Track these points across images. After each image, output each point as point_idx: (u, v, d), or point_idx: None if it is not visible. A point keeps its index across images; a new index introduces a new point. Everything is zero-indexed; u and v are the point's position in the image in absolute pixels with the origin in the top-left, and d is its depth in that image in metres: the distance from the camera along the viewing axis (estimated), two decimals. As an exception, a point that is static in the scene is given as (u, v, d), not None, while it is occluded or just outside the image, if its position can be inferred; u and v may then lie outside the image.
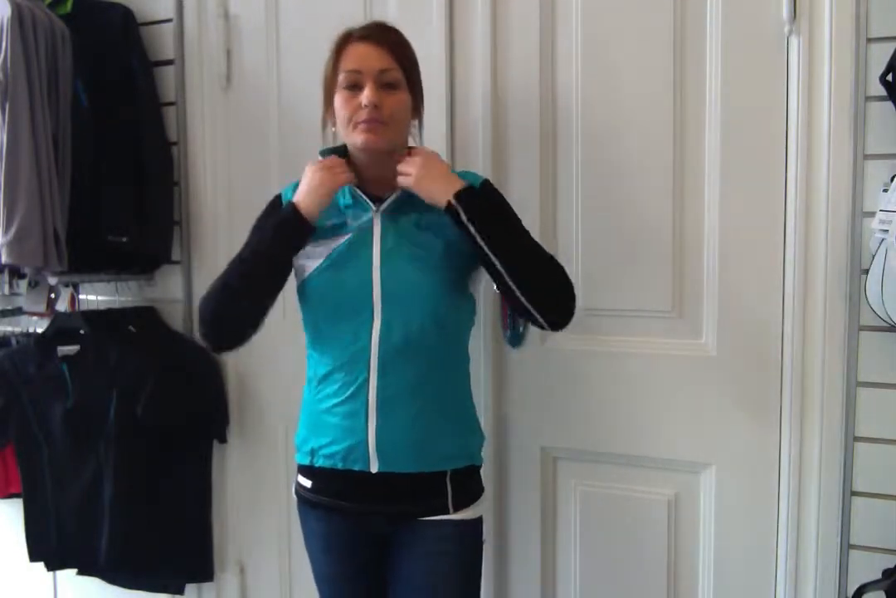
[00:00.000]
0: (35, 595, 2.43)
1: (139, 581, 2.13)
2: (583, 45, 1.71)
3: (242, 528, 2.16)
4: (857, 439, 1.54)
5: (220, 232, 2.10)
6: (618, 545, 1.76)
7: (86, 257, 1.97)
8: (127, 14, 2.05)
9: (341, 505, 1.47)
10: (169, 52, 2.11)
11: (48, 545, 2.09)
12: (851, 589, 1.49)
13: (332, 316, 1.43)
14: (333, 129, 1.48)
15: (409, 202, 1.44)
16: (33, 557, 2.11)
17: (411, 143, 1.50)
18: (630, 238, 1.70)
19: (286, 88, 2.01)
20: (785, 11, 1.52)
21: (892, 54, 1.42)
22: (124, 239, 1.99)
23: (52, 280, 2.00)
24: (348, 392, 1.43)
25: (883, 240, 1.42)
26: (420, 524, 1.44)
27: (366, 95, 1.37)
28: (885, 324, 1.46)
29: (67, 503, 2.07)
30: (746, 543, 1.64)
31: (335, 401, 1.44)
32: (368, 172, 1.46)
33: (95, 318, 2.07)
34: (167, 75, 2.12)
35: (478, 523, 1.50)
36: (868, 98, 1.49)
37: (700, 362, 1.66)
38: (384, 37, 1.42)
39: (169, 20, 2.10)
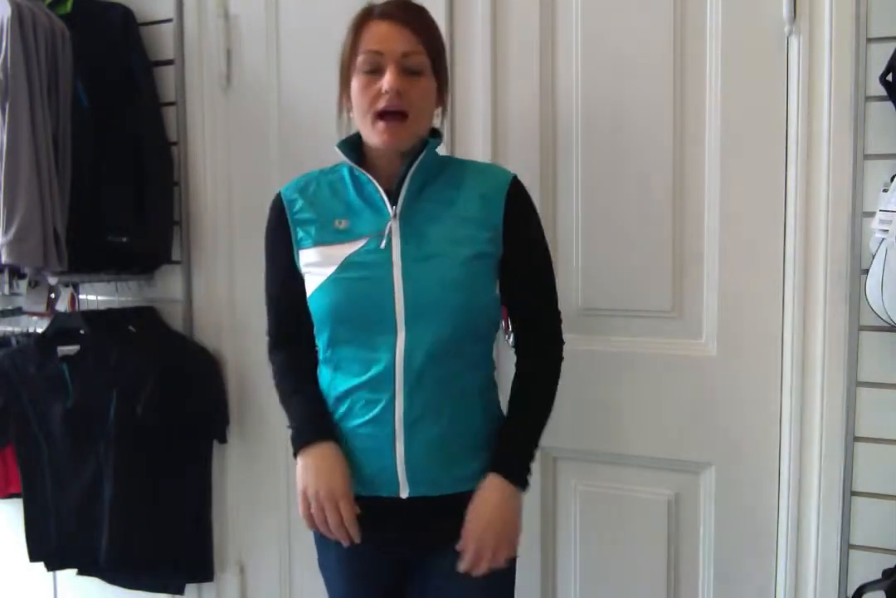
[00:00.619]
0: (35, 595, 2.43)
1: (139, 581, 2.12)
2: (583, 44, 1.71)
3: (242, 528, 2.16)
4: (857, 439, 1.54)
5: (220, 232, 2.10)
6: (618, 545, 1.76)
7: (86, 257, 1.96)
8: (127, 14, 2.05)
9: (365, 534, 1.32)
10: (169, 52, 2.11)
11: (48, 545, 2.09)
12: (851, 589, 1.49)
13: (348, 332, 1.31)
14: (350, 114, 1.35)
15: (427, 195, 1.34)
16: (33, 557, 2.11)
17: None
18: (630, 238, 1.70)
19: (286, 88, 2.01)
20: (785, 11, 1.52)
21: (892, 54, 1.42)
22: (124, 239, 1.99)
23: (52, 280, 2.00)
24: (373, 412, 1.30)
25: (883, 240, 1.41)
26: (450, 547, 1.31)
27: (387, 81, 1.25)
28: (885, 324, 1.45)
29: (67, 503, 2.06)
30: (746, 543, 1.64)
31: (357, 422, 1.32)
32: (382, 163, 1.34)
33: (95, 318, 2.07)
34: (167, 75, 2.12)
35: None
36: (868, 98, 1.48)
37: (700, 362, 1.66)
38: (409, 15, 1.29)
39: (169, 20, 2.10)
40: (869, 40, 1.48)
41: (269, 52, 2.02)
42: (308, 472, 1.32)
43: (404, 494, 1.31)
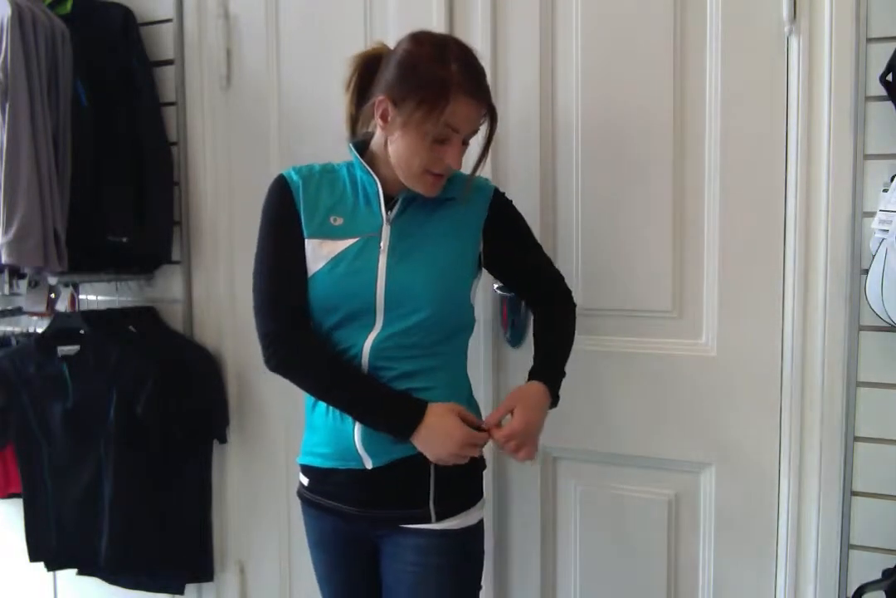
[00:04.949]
0: (35, 595, 2.43)
1: (139, 581, 2.12)
2: (583, 45, 1.71)
3: (242, 528, 2.16)
4: (857, 439, 1.54)
5: (220, 232, 2.10)
6: (618, 545, 1.76)
7: (86, 257, 1.96)
8: (127, 14, 2.05)
9: (331, 505, 1.46)
10: (169, 52, 2.11)
11: (48, 545, 2.09)
12: (851, 589, 1.49)
13: (331, 320, 1.40)
14: (374, 123, 1.39)
15: (420, 204, 1.41)
16: (33, 557, 2.11)
17: None
18: (630, 238, 1.70)
19: (286, 88, 2.01)
20: (785, 11, 1.52)
21: (892, 54, 1.42)
22: (124, 239, 1.99)
23: (52, 280, 2.00)
24: None
25: (883, 240, 1.42)
26: (402, 533, 1.41)
27: (451, 158, 1.34)
28: (885, 324, 1.46)
29: (67, 503, 2.07)
30: (746, 543, 1.64)
31: (324, 405, 1.44)
32: (385, 170, 1.41)
33: (95, 318, 2.07)
34: (167, 75, 2.12)
35: (467, 533, 1.43)
36: (868, 98, 1.49)
37: (700, 362, 1.66)
38: (486, 93, 1.37)
39: (169, 20, 2.10)
40: (869, 40, 1.48)
41: (269, 52, 2.02)
42: (437, 437, 1.37)
43: (369, 465, 1.40)
